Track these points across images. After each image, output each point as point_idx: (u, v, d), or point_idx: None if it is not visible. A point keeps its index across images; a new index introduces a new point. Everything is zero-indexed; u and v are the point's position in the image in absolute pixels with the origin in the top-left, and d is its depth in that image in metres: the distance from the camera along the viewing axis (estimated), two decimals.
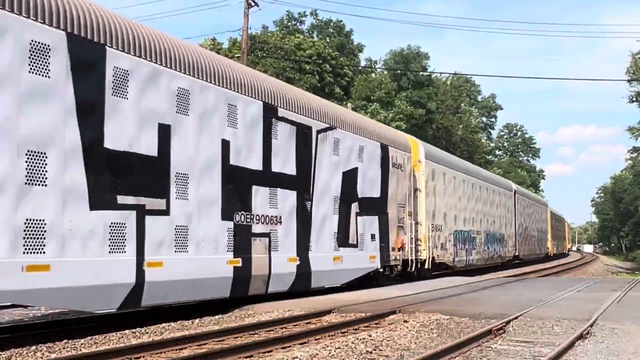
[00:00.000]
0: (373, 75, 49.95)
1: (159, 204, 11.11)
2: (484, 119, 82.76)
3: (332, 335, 9.80)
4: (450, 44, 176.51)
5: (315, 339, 9.45)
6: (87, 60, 9.90)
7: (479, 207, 30.34)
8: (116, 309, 10.32)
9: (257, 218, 13.56)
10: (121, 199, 10.38)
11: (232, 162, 12.89)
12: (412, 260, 20.85)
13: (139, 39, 11.05)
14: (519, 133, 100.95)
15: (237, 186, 13.02)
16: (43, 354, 8.43)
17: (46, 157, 9.22)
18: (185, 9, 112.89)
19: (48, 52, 9.30)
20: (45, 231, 9.14)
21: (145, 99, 10.92)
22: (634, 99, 38.98)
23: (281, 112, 14.62)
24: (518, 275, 28.02)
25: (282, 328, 10.54)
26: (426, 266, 21.80)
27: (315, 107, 16.31)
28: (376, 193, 18.91)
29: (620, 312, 12.20)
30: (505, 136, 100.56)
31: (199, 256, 11.91)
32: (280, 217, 14.30)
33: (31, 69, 9.06)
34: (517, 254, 38.42)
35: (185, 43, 12.51)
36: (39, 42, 9.18)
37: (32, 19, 9.13)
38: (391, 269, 19.61)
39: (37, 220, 9.04)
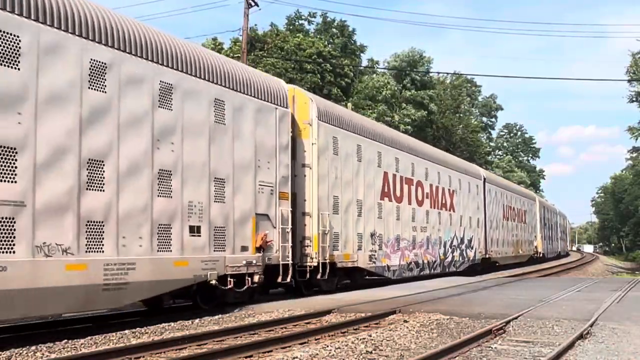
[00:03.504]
0: (375, 76, 49.89)
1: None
2: (484, 119, 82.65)
3: (332, 335, 9.79)
4: (451, 44, 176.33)
5: (315, 339, 9.45)
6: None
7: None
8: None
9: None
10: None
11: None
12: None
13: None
14: (519, 133, 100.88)
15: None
16: (43, 354, 8.43)
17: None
18: (185, 9, 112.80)
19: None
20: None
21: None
22: (634, 99, 38.93)
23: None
24: (518, 275, 28.01)
25: (282, 328, 10.53)
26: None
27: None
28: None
29: (620, 312, 12.19)
30: (505, 136, 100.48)
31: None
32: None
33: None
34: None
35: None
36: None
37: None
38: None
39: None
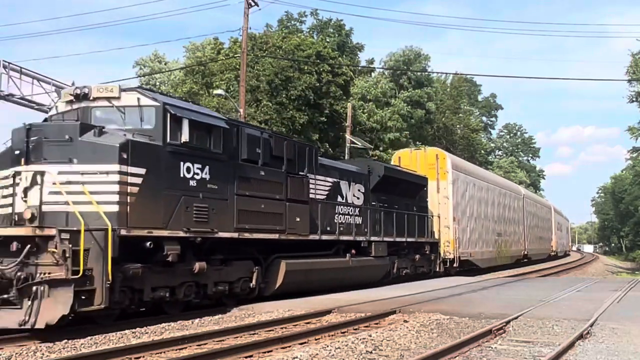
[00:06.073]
0: (372, 74, 49.79)
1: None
2: (484, 118, 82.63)
3: (332, 335, 9.79)
4: (451, 44, 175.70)
5: (315, 339, 9.44)
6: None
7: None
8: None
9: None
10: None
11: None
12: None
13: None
14: (519, 133, 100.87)
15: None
16: (43, 354, 8.42)
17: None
18: (185, 8, 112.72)
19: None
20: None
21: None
22: (634, 99, 38.84)
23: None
24: (518, 275, 28.01)
25: (282, 328, 10.53)
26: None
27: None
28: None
29: (620, 312, 12.20)
30: (505, 136, 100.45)
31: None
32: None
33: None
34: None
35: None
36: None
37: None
38: None
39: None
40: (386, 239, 19.02)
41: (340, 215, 16.59)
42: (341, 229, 16.54)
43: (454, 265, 24.87)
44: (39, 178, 9.97)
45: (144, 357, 8.14)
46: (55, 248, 9.30)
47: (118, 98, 11.24)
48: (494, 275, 26.92)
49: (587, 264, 54.12)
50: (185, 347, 8.80)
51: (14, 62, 14.46)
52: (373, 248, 18.17)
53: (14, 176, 10.23)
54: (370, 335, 9.56)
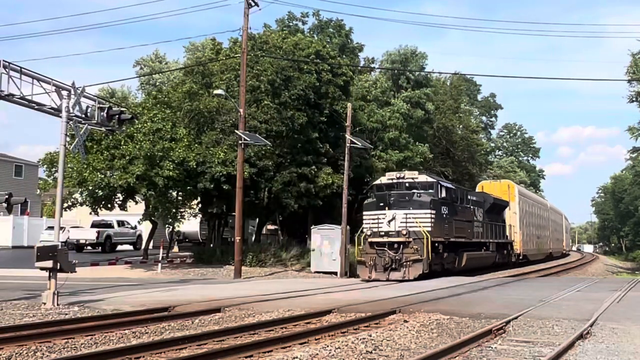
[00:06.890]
0: (368, 75, 49.65)
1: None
2: (484, 118, 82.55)
3: (332, 335, 9.79)
4: (450, 44, 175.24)
5: (315, 339, 9.44)
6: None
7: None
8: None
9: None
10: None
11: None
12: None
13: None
14: (519, 133, 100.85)
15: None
16: (43, 354, 8.43)
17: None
18: (185, 8, 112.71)
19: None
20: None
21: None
22: (634, 99, 38.80)
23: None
24: (518, 275, 28.02)
25: (282, 328, 10.54)
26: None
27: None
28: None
29: (620, 312, 12.20)
30: (505, 136, 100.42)
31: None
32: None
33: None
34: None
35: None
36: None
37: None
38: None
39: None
40: (495, 240, 30.70)
41: (476, 228, 27.85)
42: (477, 235, 27.86)
43: (520, 258, 36.54)
44: (395, 215, 22.06)
45: (144, 357, 8.15)
46: (413, 246, 21.54)
47: (417, 178, 23.65)
48: (494, 275, 26.95)
49: (587, 264, 54.14)
50: (185, 347, 8.80)
51: (14, 62, 14.38)
52: (490, 246, 29.81)
53: (382, 214, 22.35)
54: (370, 335, 9.56)
